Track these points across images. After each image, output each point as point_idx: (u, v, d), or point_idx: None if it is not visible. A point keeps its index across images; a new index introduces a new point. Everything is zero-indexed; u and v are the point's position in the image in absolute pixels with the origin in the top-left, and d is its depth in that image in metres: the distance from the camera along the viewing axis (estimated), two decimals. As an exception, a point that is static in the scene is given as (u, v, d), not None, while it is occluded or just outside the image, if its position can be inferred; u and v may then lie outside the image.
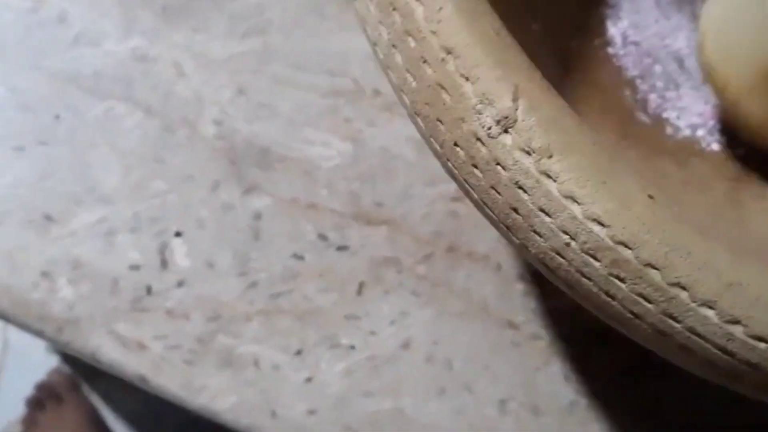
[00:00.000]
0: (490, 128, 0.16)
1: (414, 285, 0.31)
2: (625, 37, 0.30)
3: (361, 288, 0.31)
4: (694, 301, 0.15)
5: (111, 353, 0.30)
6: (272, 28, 0.35)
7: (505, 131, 0.16)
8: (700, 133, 0.28)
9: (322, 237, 0.32)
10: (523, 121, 0.15)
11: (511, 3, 0.27)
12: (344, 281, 0.31)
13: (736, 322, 0.15)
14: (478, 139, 0.16)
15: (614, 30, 0.30)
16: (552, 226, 0.16)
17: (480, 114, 0.16)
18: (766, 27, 0.23)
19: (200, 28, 0.34)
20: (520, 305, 0.31)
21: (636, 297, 0.15)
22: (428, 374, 0.30)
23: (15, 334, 0.98)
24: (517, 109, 0.15)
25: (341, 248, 0.32)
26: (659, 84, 0.29)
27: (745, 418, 0.30)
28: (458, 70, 0.16)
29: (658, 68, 0.29)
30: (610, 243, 0.15)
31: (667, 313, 0.15)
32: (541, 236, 0.16)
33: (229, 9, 0.35)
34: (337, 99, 0.34)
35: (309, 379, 0.30)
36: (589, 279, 0.16)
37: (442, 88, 0.16)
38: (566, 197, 0.15)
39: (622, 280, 0.15)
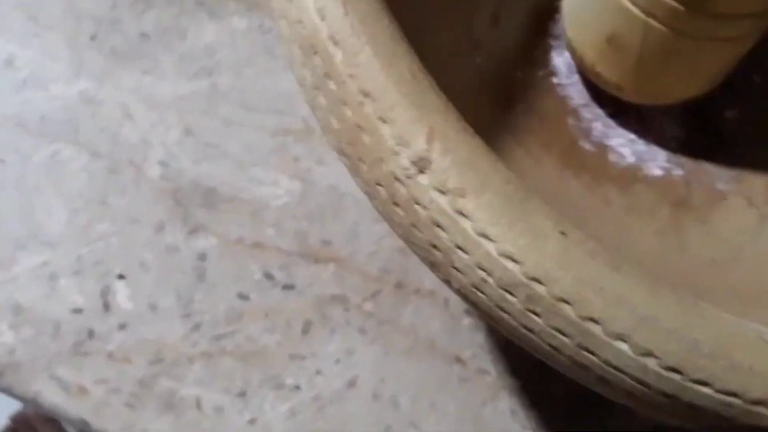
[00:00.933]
0: (407, 169, 0.16)
1: (361, 322, 0.31)
2: (569, 67, 0.30)
3: (307, 327, 0.31)
4: (608, 335, 0.15)
5: (52, 398, 0.30)
6: (222, 68, 0.35)
7: (422, 172, 0.16)
8: (643, 158, 0.29)
9: (268, 276, 0.32)
10: (437, 162, 0.16)
11: (454, 38, 0.28)
12: (290, 320, 0.31)
13: (649, 354, 0.15)
14: (397, 179, 0.16)
15: (559, 60, 0.30)
16: (469, 262, 0.16)
17: (397, 155, 0.16)
18: (603, 2, 0.26)
19: (149, 70, 0.35)
20: (468, 340, 0.31)
21: (552, 331, 0.16)
22: (374, 413, 0.30)
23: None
24: (431, 151, 0.16)
25: (287, 287, 0.32)
26: (603, 111, 0.30)
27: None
28: (375, 112, 0.16)
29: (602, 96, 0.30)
30: (524, 279, 0.15)
31: (582, 346, 0.16)
32: (460, 272, 0.16)
33: (180, 50, 0.35)
34: (286, 138, 0.34)
35: (252, 421, 0.30)
36: (508, 314, 0.16)
37: (362, 129, 0.17)
38: (480, 235, 0.16)
39: (537, 315, 0.16)
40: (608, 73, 0.27)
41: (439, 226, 0.16)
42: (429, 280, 0.32)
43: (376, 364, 0.31)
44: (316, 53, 0.17)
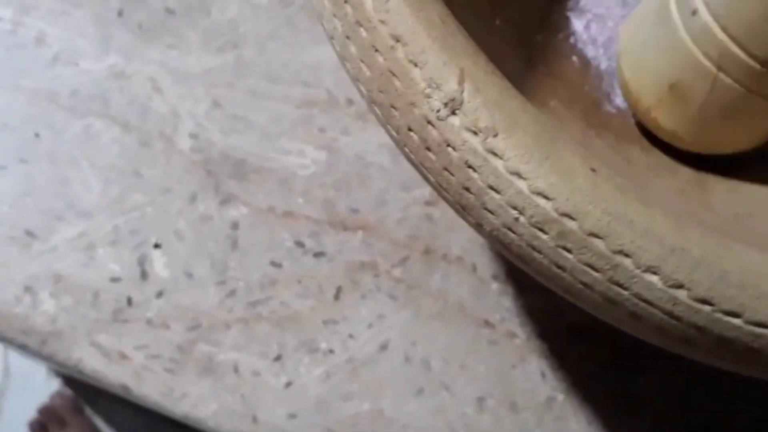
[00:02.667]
0: (438, 111, 0.16)
1: (391, 288, 0.32)
2: (589, 30, 0.30)
3: (338, 293, 0.32)
4: (638, 268, 0.16)
5: (93, 364, 0.31)
6: (246, 42, 0.36)
7: (453, 113, 0.16)
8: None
9: (299, 244, 0.32)
10: (468, 102, 0.16)
11: (476, 1, 0.28)
12: (322, 287, 0.32)
13: (680, 286, 0.16)
14: (429, 122, 0.17)
15: (578, 23, 0.31)
16: (501, 202, 0.16)
17: (429, 98, 0.17)
18: (668, 45, 0.24)
19: (175, 45, 0.35)
20: (496, 304, 0.32)
21: (583, 267, 0.16)
22: (406, 375, 0.31)
23: (16, 359, 0.98)
24: (462, 92, 0.16)
25: (318, 254, 0.32)
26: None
27: (724, 411, 0.30)
28: (407, 56, 0.17)
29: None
30: (555, 215, 0.16)
31: (613, 280, 0.16)
32: (492, 213, 0.17)
33: (204, 25, 0.36)
34: (311, 109, 0.35)
35: (289, 384, 0.30)
36: (539, 252, 0.17)
37: (393, 74, 0.17)
38: (512, 173, 0.16)
39: (569, 250, 0.16)
40: (666, 119, 0.26)
41: (470, 166, 0.16)
42: (456, 246, 0.33)
43: (407, 328, 0.31)
44: (346, 2, 0.17)
